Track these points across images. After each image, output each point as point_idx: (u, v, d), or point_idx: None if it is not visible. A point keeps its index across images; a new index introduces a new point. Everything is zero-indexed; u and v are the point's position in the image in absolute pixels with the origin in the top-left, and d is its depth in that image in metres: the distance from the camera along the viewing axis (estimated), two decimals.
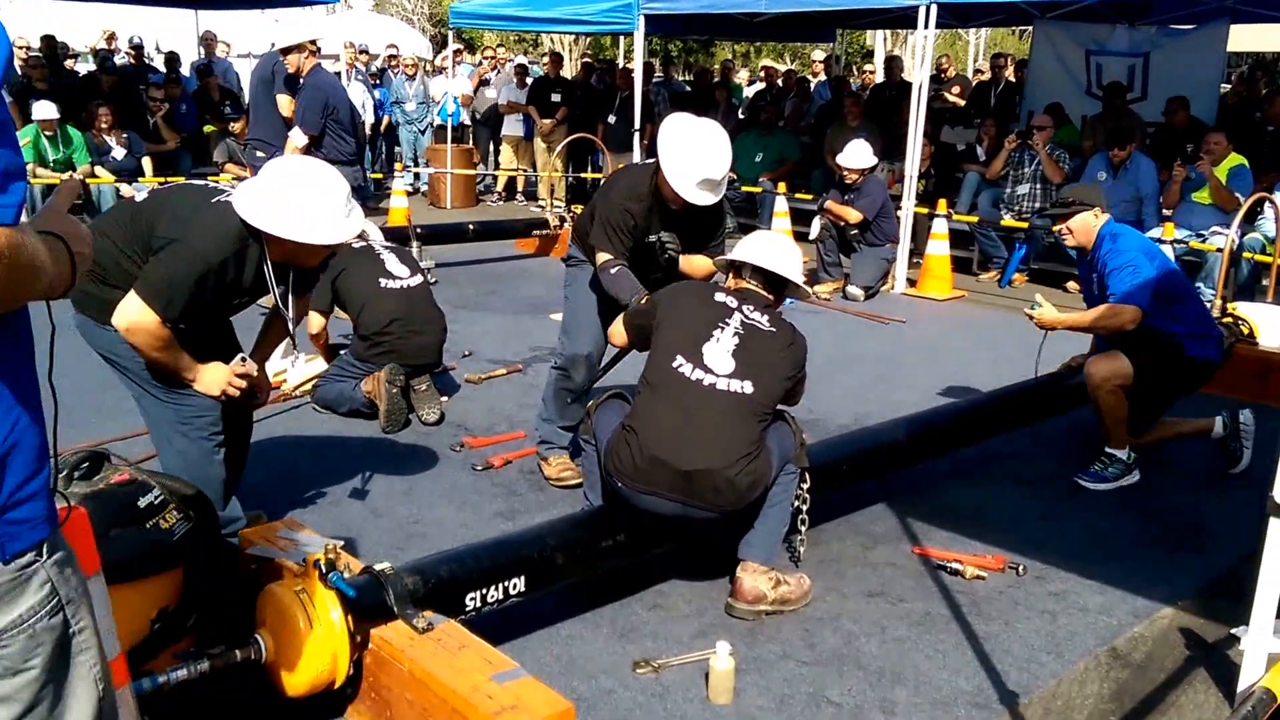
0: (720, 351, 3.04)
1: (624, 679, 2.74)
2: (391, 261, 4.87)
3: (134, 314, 2.72)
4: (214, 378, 2.93)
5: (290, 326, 3.13)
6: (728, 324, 3.09)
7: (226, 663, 2.30)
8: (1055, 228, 4.42)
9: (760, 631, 3.00)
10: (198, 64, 12.45)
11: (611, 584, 3.18)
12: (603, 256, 3.71)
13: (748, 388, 3.00)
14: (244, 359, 3.02)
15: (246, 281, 2.89)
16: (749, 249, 3.26)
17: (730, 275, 3.34)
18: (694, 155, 3.52)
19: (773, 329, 3.13)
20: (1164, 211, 7.95)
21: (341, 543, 2.55)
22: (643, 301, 3.44)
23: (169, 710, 2.24)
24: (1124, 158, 7.95)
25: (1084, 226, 4.22)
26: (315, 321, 4.79)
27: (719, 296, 3.18)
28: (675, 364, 3.02)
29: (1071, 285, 8.39)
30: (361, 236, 5.44)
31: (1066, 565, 3.46)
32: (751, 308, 3.15)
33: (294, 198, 2.81)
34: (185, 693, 2.24)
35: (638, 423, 3.00)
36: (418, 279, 4.88)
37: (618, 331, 3.49)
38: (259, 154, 6.65)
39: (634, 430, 2.99)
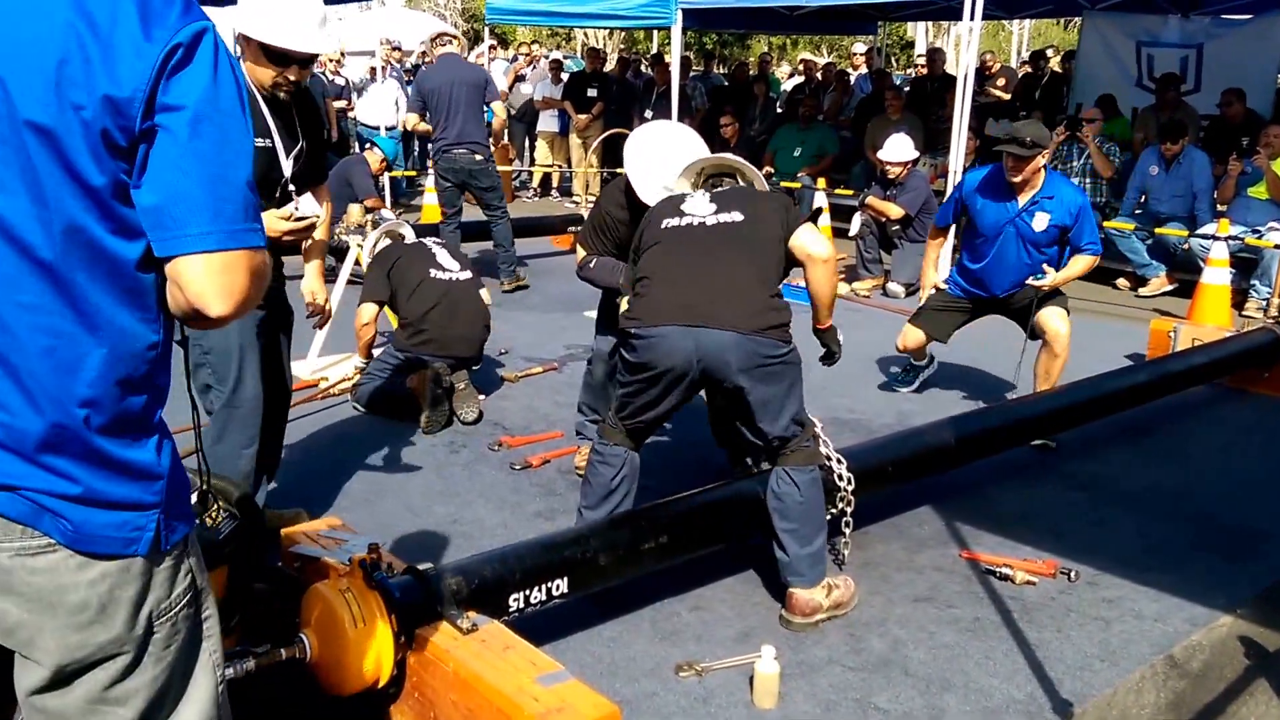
0: (699, 201, 3.10)
1: (667, 682, 2.71)
2: (443, 255, 4.91)
3: None
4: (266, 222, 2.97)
5: (294, 198, 3.08)
6: (694, 195, 3.16)
7: (272, 661, 2.29)
8: (1014, 166, 4.46)
9: (806, 636, 2.95)
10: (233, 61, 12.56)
11: (653, 586, 3.14)
12: (580, 255, 3.89)
13: (736, 215, 3.02)
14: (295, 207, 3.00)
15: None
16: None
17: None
18: (655, 162, 3.53)
19: (741, 185, 3.23)
20: (1219, 207, 7.77)
21: (382, 541, 2.55)
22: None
23: None
24: (1177, 152, 7.77)
25: (1035, 168, 4.47)
26: (366, 311, 4.79)
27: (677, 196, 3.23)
28: (664, 225, 3.07)
29: (1121, 282, 8.23)
30: (404, 234, 5.47)
31: (1119, 571, 3.37)
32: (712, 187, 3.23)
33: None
34: (229, 692, 2.23)
35: (642, 275, 3.03)
36: (467, 274, 4.91)
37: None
38: (477, 158, 7.05)
39: (641, 281, 3.03)
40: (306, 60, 2.98)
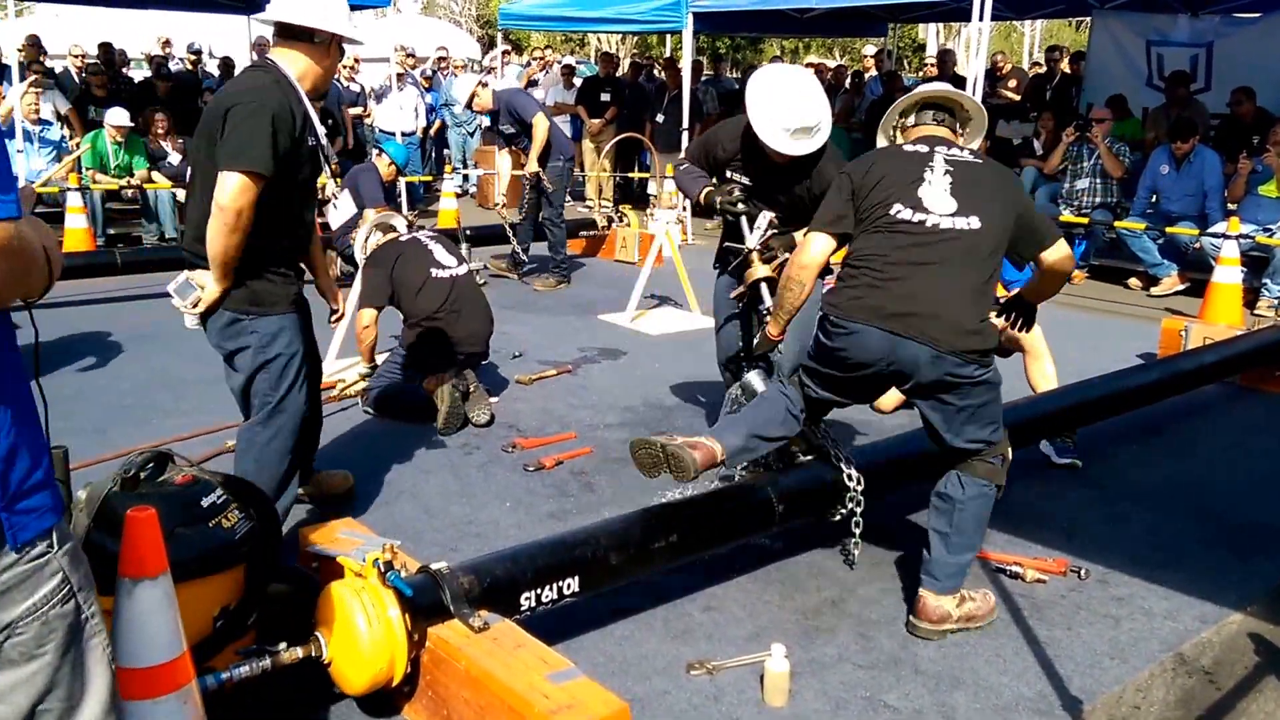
0: (937, 191, 2.88)
1: (678, 680, 2.73)
2: (440, 252, 4.94)
3: (232, 186, 2.82)
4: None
5: (330, 170, 3.26)
6: (932, 165, 2.94)
7: (287, 660, 2.33)
8: None
9: (816, 634, 2.98)
10: None
11: (664, 585, 3.17)
12: (681, 156, 3.97)
13: (974, 222, 2.85)
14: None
15: (297, 118, 2.99)
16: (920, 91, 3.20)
17: (898, 130, 3.23)
18: (780, 103, 3.52)
19: (978, 159, 3.02)
20: (1229, 205, 7.74)
21: (398, 542, 2.58)
22: (707, 191, 3.72)
23: (228, 707, 2.28)
24: (1187, 150, 7.76)
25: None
26: (367, 314, 4.82)
27: (908, 147, 3.03)
28: (894, 210, 2.88)
29: (1133, 281, 8.21)
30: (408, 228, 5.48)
31: (1130, 569, 3.38)
32: (946, 146, 3.01)
33: None
34: (244, 691, 2.28)
35: (857, 260, 2.92)
36: (464, 269, 4.95)
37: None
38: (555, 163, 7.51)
39: (854, 266, 2.91)
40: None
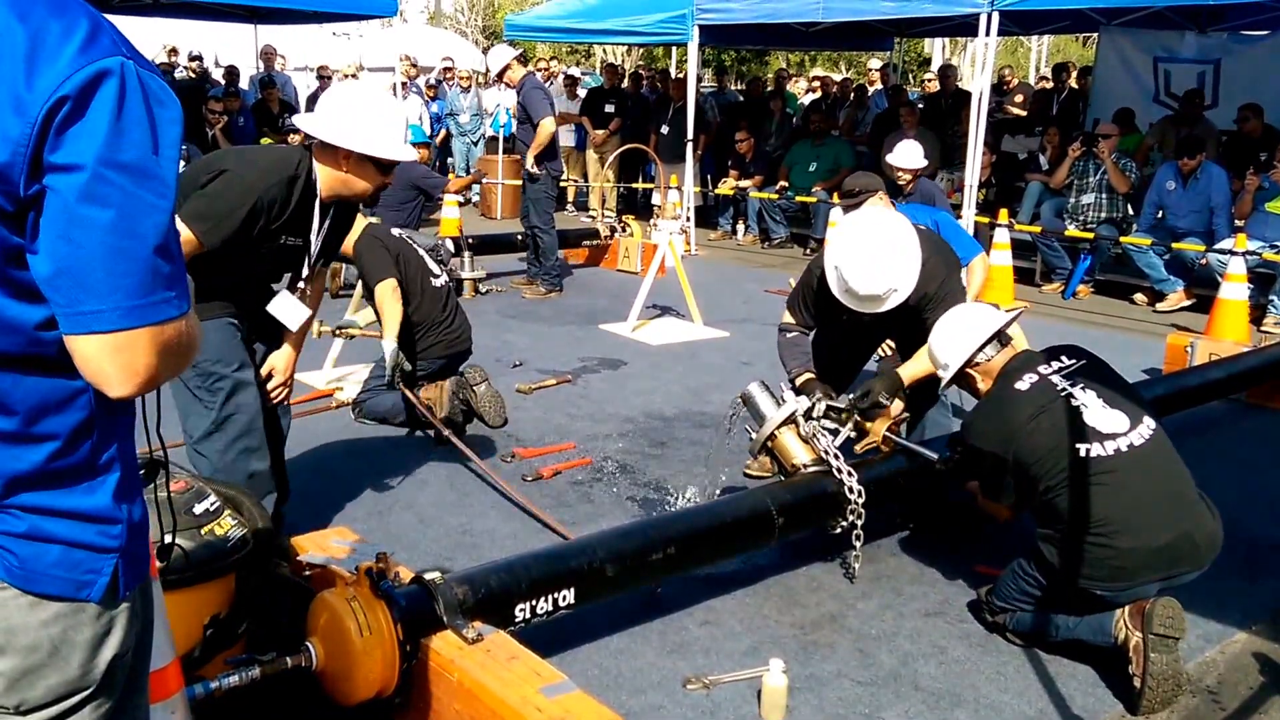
0: (1097, 412, 2.86)
1: (674, 695, 2.70)
2: (429, 260, 4.94)
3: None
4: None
5: (305, 279, 3.12)
6: (1064, 389, 2.91)
7: (277, 670, 2.30)
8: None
9: (814, 650, 2.94)
10: (260, 76, 12.72)
11: (661, 597, 3.14)
12: (786, 319, 3.86)
13: (1150, 426, 2.88)
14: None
15: (285, 217, 2.88)
16: (959, 332, 3.13)
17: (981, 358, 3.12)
18: (847, 267, 3.45)
19: (1083, 358, 3.02)
20: (1236, 222, 7.72)
21: (392, 551, 2.55)
22: (802, 377, 3.64)
23: (217, 717, 2.25)
24: (1194, 167, 7.74)
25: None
26: (387, 285, 4.58)
27: (1020, 385, 2.96)
28: (1083, 453, 2.80)
29: (1139, 297, 8.18)
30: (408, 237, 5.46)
31: None
32: (1046, 366, 2.99)
33: (358, 111, 2.87)
34: (234, 701, 2.24)
35: (1083, 523, 2.77)
36: (444, 277, 4.98)
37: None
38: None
39: (1084, 531, 2.76)
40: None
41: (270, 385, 3.19)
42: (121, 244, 1.10)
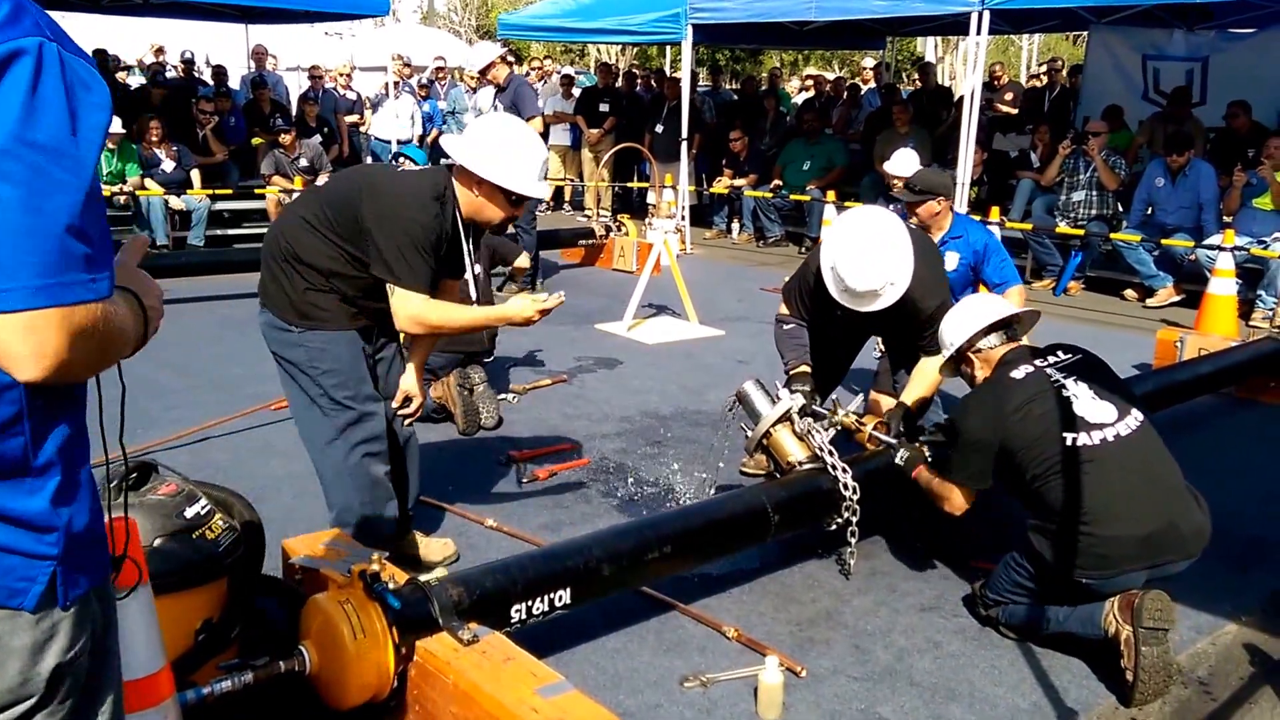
0: (1087, 402, 2.90)
1: (671, 693, 2.70)
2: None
3: (416, 307, 2.88)
4: (521, 305, 3.04)
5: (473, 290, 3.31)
6: (1057, 380, 2.95)
7: (270, 674, 2.29)
8: (908, 210, 4.64)
9: (810, 647, 2.95)
10: (251, 77, 12.69)
11: (658, 597, 3.14)
12: (781, 311, 3.90)
13: (1137, 418, 2.91)
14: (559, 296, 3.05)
15: (447, 238, 3.02)
16: (967, 316, 3.19)
17: (975, 357, 3.19)
18: (842, 264, 3.48)
19: (1078, 354, 3.07)
20: (1224, 218, 7.75)
21: (386, 554, 2.55)
22: (796, 369, 3.65)
23: None
24: (1183, 164, 7.77)
25: (932, 212, 4.56)
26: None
27: (1015, 374, 3.01)
28: (1070, 442, 2.83)
29: (1129, 293, 8.21)
30: None
31: None
32: (1042, 360, 3.05)
33: (501, 146, 2.95)
34: (228, 706, 2.24)
35: (1068, 511, 2.79)
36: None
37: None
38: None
39: (1070, 519, 2.78)
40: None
41: (405, 412, 3.25)
42: (30, 222, 1.08)
